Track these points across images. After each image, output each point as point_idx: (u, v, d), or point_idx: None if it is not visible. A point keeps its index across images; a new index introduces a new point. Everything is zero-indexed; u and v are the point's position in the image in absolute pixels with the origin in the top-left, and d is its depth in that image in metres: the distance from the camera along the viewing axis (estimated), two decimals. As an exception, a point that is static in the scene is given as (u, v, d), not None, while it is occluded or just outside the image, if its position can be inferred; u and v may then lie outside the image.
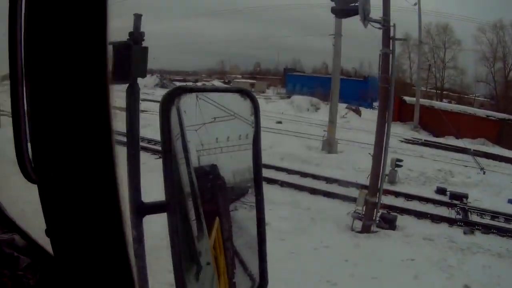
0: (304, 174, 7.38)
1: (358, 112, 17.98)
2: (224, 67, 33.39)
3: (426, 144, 12.56)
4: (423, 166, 8.74)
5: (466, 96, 23.59)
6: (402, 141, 12.35)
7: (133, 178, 0.52)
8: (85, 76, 0.33)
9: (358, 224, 5.24)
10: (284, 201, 5.85)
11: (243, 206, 0.71)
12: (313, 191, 6.52)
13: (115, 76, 0.50)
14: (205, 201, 0.62)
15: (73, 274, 0.38)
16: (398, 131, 13.23)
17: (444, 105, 17.27)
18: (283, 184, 6.57)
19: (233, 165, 0.71)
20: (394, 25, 5.21)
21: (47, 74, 0.33)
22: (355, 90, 20.75)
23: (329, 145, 9.97)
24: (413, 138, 13.38)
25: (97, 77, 0.34)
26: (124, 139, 0.53)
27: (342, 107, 17.26)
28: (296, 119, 15.68)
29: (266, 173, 6.74)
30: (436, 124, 14.87)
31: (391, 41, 5.21)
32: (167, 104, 0.49)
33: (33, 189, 0.38)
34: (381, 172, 5.22)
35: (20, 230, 0.68)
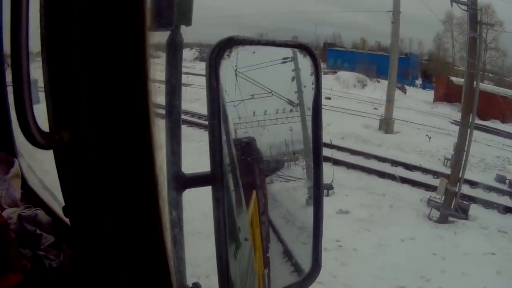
0: (368, 155, 7.70)
1: (404, 90, 18.70)
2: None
3: (476, 127, 13.17)
4: (480, 152, 8.97)
5: (506, 78, 23.40)
6: (451, 123, 12.93)
7: (172, 146, 0.47)
8: (118, 26, 0.31)
9: (434, 212, 5.61)
10: (356, 185, 6.12)
11: (279, 179, 0.73)
12: (381, 175, 6.76)
13: (154, 22, 0.42)
14: (242, 173, 0.63)
15: (95, 263, 0.36)
16: (445, 111, 14.28)
17: (490, 87, 17.36)
18: (349, 166, 7.10)
19: (270, 139, 0.72)
20: (481, 9, 5.23)
21: (66, 31, 0.31)
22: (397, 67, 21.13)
23: (387, 125, 10.28)
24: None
25: (132, 25, 0.31)
26: (163, 102, 0.48)
27: (384, 85, 17.60)
28: (344, 95, 16.29)
29: (329, 153, 7.19)
30: (482, 106, 15.56)
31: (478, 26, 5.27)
32: (216, 59, 0.44)
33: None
34: (462, 164, 5.53)
35: (45, 205, 0.66)
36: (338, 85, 18.86)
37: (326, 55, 27.56)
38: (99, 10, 0.31)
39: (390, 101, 10.78)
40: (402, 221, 5.11)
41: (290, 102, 0.73)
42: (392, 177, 6.75)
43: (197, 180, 0.49)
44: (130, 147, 0.33)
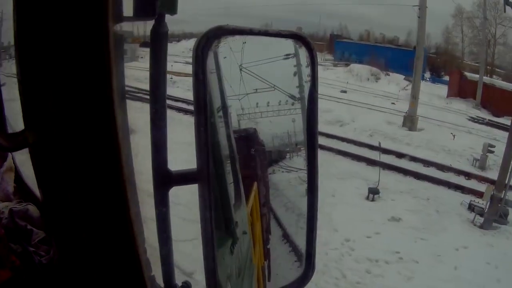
0: (399, 155, 8.04)
1: None
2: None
3: (492, 124, 13.96)
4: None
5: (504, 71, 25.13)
6: (469, 120, 13.86)
7: (157, 141, 0.47)
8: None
9: (472, 216, 5.87)
10: (397, 188, 6.36)
11: (281, 170, 0.74)
12: (417, 176, 7.04)
13: (136, 10, 0.43)
14: (243, 165, 0.62)
15: (70, 263, 0.38)
16: (460, 107, 15.54)
17: (505, 84, 18.47)
18: (384, 166, 7.38)
19: (273, 129, 0.74)
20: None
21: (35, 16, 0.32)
22: (405, 60, 23.25)
23: (411, 122, 10.70)
24: (477, 116, 15.12)
25: (92, 18, 0.32)
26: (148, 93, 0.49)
27: (399, 78, 19.87)
28: (359, 89, 17.02)
29: (362, 152, 7.78)
30: (496, 103, 16.64)
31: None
32: (203, 50, 0.45)
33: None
34: (509, 171, 5.78)
35: (37, 199, 0.67)
36: (351, 78, 19.49)
37: (334, 47, 28.71)
38: (61, 7, 0.33)
39: (415, 97, 11.19)
40: (451, 228, 5.39)
41: (292, 97, 0.76)
42: (428, 178, 6.98)
43: (184, 177, 0.48)
44: (94, 147, 0.35)
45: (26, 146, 0.36)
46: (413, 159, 7.93)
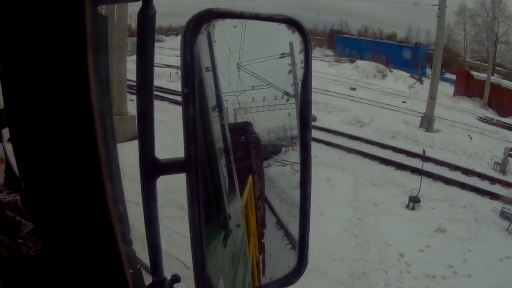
0: (425, 158, 8.25)
1: (421, 81, 21.60)
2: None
3: (500, 125, 14.86)
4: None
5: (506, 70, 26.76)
6: (478, 120, 14.65)
7: (144, 129, 0.49)
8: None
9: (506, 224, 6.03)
10: (434, 196, 6.57)
11: (276, 163, 0.76)
12: (447, 181, 7.29)
13: None
14: (238, 158, 0.65)
15: (53, 256, 0.39)
16: (468, 107, 16.59)
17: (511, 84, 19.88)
18: (413, 170, 7.68)
19: (268, 123, 0.78)
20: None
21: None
22: (407, 57, 25.03)
23: (428, 123, 11.23)
24: (486, 116, 16.18)
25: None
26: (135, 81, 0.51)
27: (404, 75, 21.23)
28: (366, 85, 17.71)
29: (389, 155, 8.05)
30: (502, 103, 17.95)
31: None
32: (192, 33, 0.46)
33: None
34: None
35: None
36: (358, 75, 20.33)
37: (334, 42, 29.88)
38: None
39: (433, 98, 11.69)
40: (491, 237, 5.59)
41: (286, 94, 0.82)
42: (456, 183, 7.23)
43: (172, 166, 0.49)
44: (70, 131, 0.36)
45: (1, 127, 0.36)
46: (439, 162, 8.21)
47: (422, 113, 12.12)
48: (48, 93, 0.36)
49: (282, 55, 0.78)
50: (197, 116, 0.47)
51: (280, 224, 0.76)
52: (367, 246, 4.81)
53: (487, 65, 27.39)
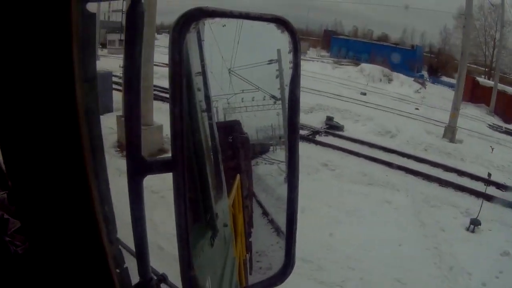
0: (460, 173, 8.50)
1: (424, 85, 22.95)
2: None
3: (509, 133, 15.41)
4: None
5: (506, 76, 28.19)
6: (489, 127, 15.23)
7: (131, 128, 0.50)
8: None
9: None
10: (487, 216, 6.54)
11: (264, 162, 0.81)
12: (488, 198, 7.28)
13: None
14: (226, 157, 0.67)
15: (39, 256, 0.41)
16: (475, 113, 17.16)
17: None
18: (455, 187, 7.81)
19: (257, 123, 0.81)
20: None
21: None
22: (403, 60, 26.32)
23: (452, 133, 11.71)
24: (494, 124, 16.82)
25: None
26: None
27: (406, 79, 21.98)
28: (374, 90, 18.09)
29: (426, 169, 8.22)
30: (508, 109, 19.05)
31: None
32: (180, 31, 0.48)
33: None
34: None
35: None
36: (363, 78, 20.71)
37: (330, 43, 30.88)
38: None
39: (457, 108, 12.08)
40: None
41: (273, 97, 0.88)
42: (498, 201, 7.22)
43: (159, 166, 0.52)
44: (55, 127, 0.38)
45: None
46: (474, 177, 8.27)
47: (438, 120, 12.55)
48: (34, 90, 0.38)
49: (270, 62, 0.81)
50: (185, 115, 0.49)
51: (266, 214, 0.80)
52: (454, 278, 4.90)
53: (483, 69, 29.18)
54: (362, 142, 9.48)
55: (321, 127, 10.39)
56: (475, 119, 15.93)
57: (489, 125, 15.91)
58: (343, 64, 24.50)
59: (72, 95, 0.39)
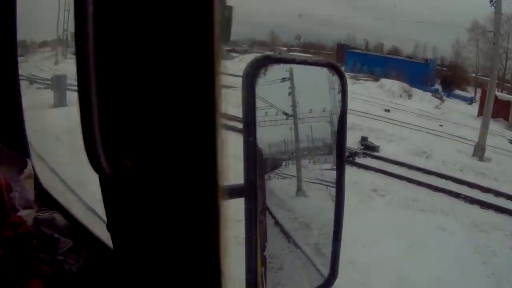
0: (496, 193, 8.49)
1: (442, 100, 23.18)
2: (271, 38, 38.75)
3: None
4: None
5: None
6: (510, 143, 15.42)
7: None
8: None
9: None
10: None
11: (276, 176, 0.93)
12: None
13: None
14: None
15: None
16: (494, 128, 16.43)
17: None
18: (496, 209, 7.75)
19: (270, 138, 0.87)
20: None
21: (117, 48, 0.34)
22: (417, 73, 26.41)
23: (481, 151, 11.89)
24: None
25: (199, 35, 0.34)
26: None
27: (428, 95, 22.51)
28: (396, 106, 18.41)
29: (465, 191, 8.26)
30: None
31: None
32: (253, 77, 0.56)
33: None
34: None
35: (61, 207, 0.76)
36: (383, 94, 21.08)
37: (344, 57, 30.95)
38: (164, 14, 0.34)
39: (486, 127, 12.28)
40: None
41: (285, 114, 0.96)
42: None
43: (231, 192, 0.58)
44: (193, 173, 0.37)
45: (126, 172, 0.37)
46: (510, 197, 8.24)
47: (463, 137, 12.88)
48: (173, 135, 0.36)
49: (283, 79, 0.90)
50: (258, 149, 0.58)
51: (278, 224, 0.86)
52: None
53: (502, 82, 28.65)
54: (401, 164, 9.45)
55: (358, 148, 10.31)
56: (496, 134, 15.83)
57: (510, 140, 15.97)
58: (360, 79, 24.74)
59: (211, 135, 0.37)
